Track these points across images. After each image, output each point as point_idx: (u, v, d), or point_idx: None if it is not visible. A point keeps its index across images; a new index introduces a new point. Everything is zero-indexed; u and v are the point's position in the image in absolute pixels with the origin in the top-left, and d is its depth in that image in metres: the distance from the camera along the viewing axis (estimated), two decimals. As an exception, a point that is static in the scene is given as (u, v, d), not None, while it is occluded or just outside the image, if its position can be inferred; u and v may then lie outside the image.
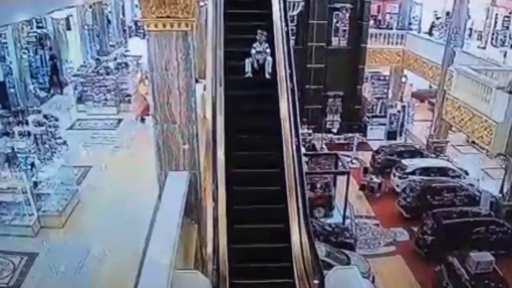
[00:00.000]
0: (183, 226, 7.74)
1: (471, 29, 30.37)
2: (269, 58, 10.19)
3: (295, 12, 20.00)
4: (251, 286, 7.96)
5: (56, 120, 17.14)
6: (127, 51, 27.71)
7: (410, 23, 29.78)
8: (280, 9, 11.18)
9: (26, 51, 22.11)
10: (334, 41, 26.01)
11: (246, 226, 8.58)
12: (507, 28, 29.53)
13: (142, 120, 18.80)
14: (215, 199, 8.46)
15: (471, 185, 19.74)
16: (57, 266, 11.66)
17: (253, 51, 10.15)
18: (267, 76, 10.17)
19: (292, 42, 12.23)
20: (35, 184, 13.70)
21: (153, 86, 8.30)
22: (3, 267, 11.87)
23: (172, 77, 8.12)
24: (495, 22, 29.99)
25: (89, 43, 28.08)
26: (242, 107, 9.85)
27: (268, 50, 10.19)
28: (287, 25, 11.23)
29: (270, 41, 10.40)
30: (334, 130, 26.18)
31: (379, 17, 33.65)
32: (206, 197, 9.06)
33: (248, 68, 10.14)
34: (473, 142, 23.27)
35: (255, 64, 10.19)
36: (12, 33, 20.18)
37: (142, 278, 6.24)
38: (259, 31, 10.14)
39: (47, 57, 23.59)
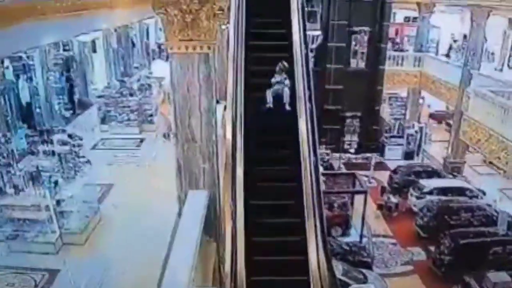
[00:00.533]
0: (202, 243, 7.84)
1: (488, 51, 30.45)
2: (287, 90, 9.96)
3: (314, 45, 20.31)
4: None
5: (80, 139, 17.54)
6: (150, 73, 28.25)
7: (421, 45, 29.79)
8: (300, 37, 11.32)
9: (52, 72, 22.70)
10: (353, 63, 26.17)
11: (265, 257, 8.64)
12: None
13: (165, 136, 19.19)
14: (233, 219, 8.59)
15: (489, 205, 19.62)
16: (78, 283, 11.85)
17: (273, 80, 10.02)
18: (287, 107, 10.07)
19: (311, 65, 12.37)
20: (58, 202, 13.94)
21: (175, 107, 8.45)
22: (24, 284, 12.09)
23: (193, 98, 8.26)
24: (512, 46, 30.16)
25: (114, 65, 28.71)
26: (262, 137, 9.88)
27: (287, 81, 10.03)
28: (306, 48, 11.42)
29: (290, 72, 10.24)
30: (352, 150, 26.29)
31: (397, 40, 33.88)
32: (225, 215, 9.20)
33: (269, 99, 9.97)
34: (490, 162, 23.18)
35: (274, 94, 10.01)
36: (39, 55, 20.81)
37: (161, 296, 6.30)
38: (279, 63, 10.02)
39: (71, 79, 24.22)
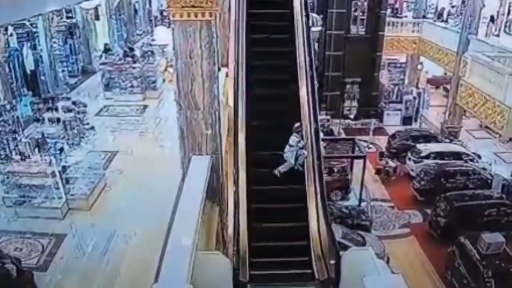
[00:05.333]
0: (205, 208, 7.98)
1: (490, 17, 30.34)
2: (304, 152, 9.36)
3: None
4: (270, 265, 8.30)
5: (85, 106, 17.67)
6: (153, 39, 28.20)
7: (420, 11, 29.53)
8: (300, 4, 11.31)
9: (56, 40, 22.67)
10: (353, 29, 26.16)
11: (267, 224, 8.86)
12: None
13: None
14: (236, 185, 8.78)
15: (484, 168, 19.90)
16: (84, 247, 12.12)
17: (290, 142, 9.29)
18: (299, 168, 9.45)
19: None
20: (64, 168, 14.16)
21: (178, 74, 8.53)
22: (32, 248, 12.35)
23: (196, 64, 8.31)
24: (508, 11, 29.86)
25: (117, 32, 28.62)
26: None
27: (302, 143, 9.37)
28: (307, 16, 11.44)
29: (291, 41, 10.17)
30: (352, 116, 26.54)
31: (396, 6, 33.70)
32: (228, 180, 9.37)
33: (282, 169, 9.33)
34: (486, 127, 23.42)
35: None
36: (43, 23, 20.75)
37: (165, 259, 6.44)
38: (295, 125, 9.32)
39: (76, 45, 24.23)
